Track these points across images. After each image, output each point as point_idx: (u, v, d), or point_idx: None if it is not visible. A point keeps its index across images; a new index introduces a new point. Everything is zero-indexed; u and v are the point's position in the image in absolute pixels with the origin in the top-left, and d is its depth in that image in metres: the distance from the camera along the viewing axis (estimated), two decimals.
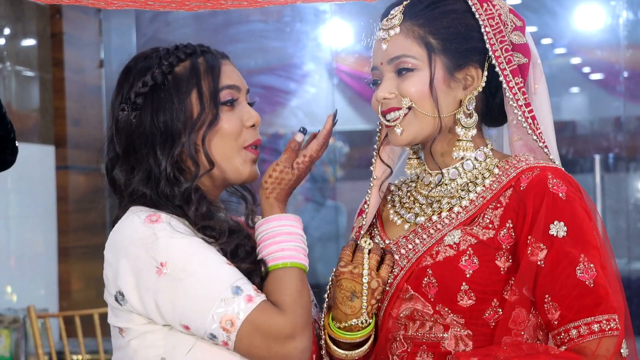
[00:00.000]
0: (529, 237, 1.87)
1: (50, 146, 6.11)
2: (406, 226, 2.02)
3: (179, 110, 1.94)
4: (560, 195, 1.88)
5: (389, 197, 2.12)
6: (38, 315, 4.67)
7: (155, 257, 1.83)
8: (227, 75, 1.99)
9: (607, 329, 1.83)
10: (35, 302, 5.31)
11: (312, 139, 2.00)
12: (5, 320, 5.23)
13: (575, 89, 7.65)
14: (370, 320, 1.96)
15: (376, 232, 2.07)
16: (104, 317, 4.10)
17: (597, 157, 6.39)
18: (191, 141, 1.93)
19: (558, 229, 1.87)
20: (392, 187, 2.13)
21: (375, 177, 2.08)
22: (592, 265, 1.85)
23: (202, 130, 1.94)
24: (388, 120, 1.98)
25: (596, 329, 1.83)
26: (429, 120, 1.96)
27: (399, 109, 1.96)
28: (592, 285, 1.84)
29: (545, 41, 7.36)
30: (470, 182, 1.98)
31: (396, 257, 1.98)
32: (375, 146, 2.09)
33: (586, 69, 7.54)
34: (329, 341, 2.00)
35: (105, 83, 6.48)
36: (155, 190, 1.93)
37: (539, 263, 1.86)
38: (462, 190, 1.98)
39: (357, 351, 1.98)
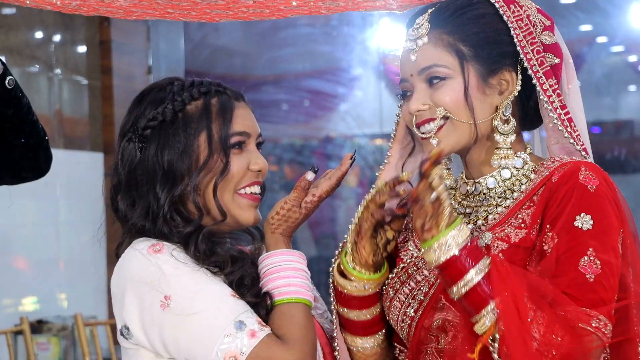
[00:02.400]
0: (548, 227, 1.81)
1: (99, 153, 6.15)
2: None
3: (185, 151, 1.91)
4: (589, 187, 1.81)
5: None
6: (86, 322, 4.68)
7: (160, 290, 1.83)
8: (238, 120, 1.95)
9: (597, 326, 1.73)
10: (85, 309, 5.33)
11: (324, 176, 1.98)
12: (54, 327, 5.26)
13: (632, 87, 7.54)
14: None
15: (410, 237, 2.02)
16: None
17: None
18: (194, 184, 1.91)
19: (583, 222, 1.79)
20: None
21: (384, 163, 2.05)
22: (598, 261, 1.77)
23: (209, 176, 1.91)
24: (423, 133, 1.92)
25: (587, 318, 1.73)
26: (466, 129, 1.91)
27: (433, 119, 1.91)
28: (592, 280, 1.76)
29: (601, 40, 7.27)
30: (508, 189, 1.93)
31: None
32: (389, 143, 2.07)
33: None
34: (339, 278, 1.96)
35: None
36: (153, 226, 1.91)
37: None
38: (500, 198, 1.93)
39: (375, 275, 1.95)
